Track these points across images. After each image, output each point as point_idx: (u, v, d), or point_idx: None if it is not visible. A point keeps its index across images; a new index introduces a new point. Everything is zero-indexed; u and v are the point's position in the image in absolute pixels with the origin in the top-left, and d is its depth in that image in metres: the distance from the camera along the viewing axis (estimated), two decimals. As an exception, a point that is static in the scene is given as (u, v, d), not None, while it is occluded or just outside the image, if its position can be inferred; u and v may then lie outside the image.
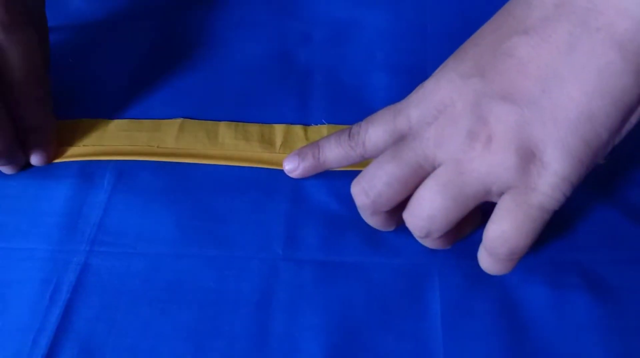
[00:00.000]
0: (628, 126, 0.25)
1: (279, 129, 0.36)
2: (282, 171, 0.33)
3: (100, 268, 0.30)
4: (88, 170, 0.34)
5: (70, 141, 0.35)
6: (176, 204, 0.32)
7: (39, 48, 0.33)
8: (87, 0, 0.43)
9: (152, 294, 0.29)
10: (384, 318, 0.28)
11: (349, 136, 0.30)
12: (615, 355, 0.27)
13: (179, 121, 0.36)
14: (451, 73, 0.27)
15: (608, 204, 0.32)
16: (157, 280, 0.30)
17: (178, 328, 0.28)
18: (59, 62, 0.39)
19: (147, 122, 0.36)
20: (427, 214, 0.26)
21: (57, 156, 0.35)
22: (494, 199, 0.26)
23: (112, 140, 0.35)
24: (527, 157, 0.25)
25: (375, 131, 0.29)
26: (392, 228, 0.30)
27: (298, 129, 0.36)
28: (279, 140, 0.35)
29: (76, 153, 0.35)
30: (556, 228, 0.31)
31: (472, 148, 0.25)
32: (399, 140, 0.28)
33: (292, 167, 0.33)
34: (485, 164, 0.25)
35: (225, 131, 0.35)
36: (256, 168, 0.34)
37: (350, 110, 0.37)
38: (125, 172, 0.34)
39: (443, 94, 0.27)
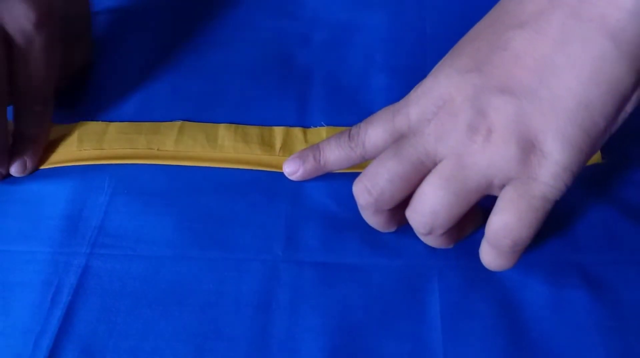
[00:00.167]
0: (623, 115, 0.25)
1: (278, 131, 0.36)
2: (281, 173, 0.33)
3: (101, 270, 0.30)
4: (88, 173, 0.34)
5: (70, 145, 0.35)
6: (176, 206, 0.33)
7: (56, 56, 0.34)
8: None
9: (153, 296, 0.29)
10: (384, 319, 0.28)
11: (349, 137, 0.30)
12: (615, 355, 0.27)
13: (178, 123, 0.36)
14: (448, 69, 0.27)
15: (608, 204, 0.32)
16: (158, 282, 0.30)
17: (179, 330, 0.28)
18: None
19: (146, 125, 0.36)
20: (430, 210, 0.26)
21: (57, 162, 0.35)
22: (495, 193, 0.26)
23: (112, 143, 0.35)
24: (528, 148, 0.25)
25: (374, 131, 0.29)
26: (393, 229, 0.30)
27: (297, 131, 0.36)
28: (278, 142, 0.35)
29: (76, 156, 0.35)
30: (556, 228, 0.31)
31: (472, 141, 0.26)
32: (399, 139, 0.28)
33: (293, 170, 0.33)
34: (486, 157, 0.25)
35: (224, 133, 0.36)
36: (256, 170, 0.34)
37: (350, 112, 0.37)
38: (125, 175, 0.34)
39: (441, 90, 0.27)
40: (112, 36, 0.42)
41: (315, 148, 0.32)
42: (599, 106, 0.24)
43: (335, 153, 0.31)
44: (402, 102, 0.29)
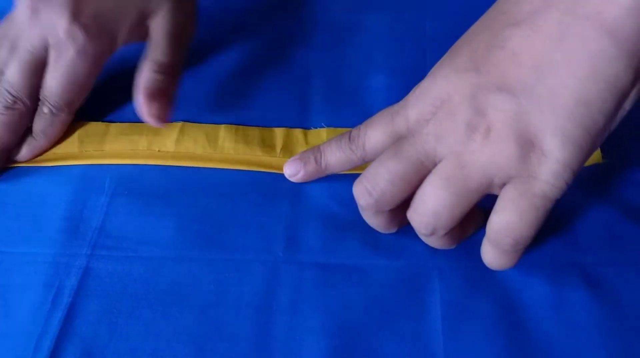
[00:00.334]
0: (622, 112, 0.25)
1: (279, 132, 0.36)
2: (282, 174, 0.33)
3: (101, 271, 0.30)
4: (89, 174, 0.34)
5: (71, 145, 0.35)
6: (177, 207, 0.33)
7: (86, 67, 0.34)
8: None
9: (153, 297, 0.29)
10: (385, 320, 0.29)
11: (349, 139, 0.30)
12: (615, 355, 0.27)
13: (179, 124, 0.36)
14: (446, 69, 0.27)
15: (608, 204, 0.32)
16: (158, 283, 0.30)
17: (179, 331, 0.28)
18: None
19: (147, 126, 0.36)
20: (431, 210, 0.26)
21: (57, 162, 0.35)
22: (496, 192, 0.26)
23: (113, 144, 0.35)
24: (527, 146, 0.25)
25: (374, 133, 0.29)
26: (394, 230, 0.30)
27: (298, 132, 0.36)
28: (279, 144, 0.35)
29: (77, 157, 0.35)
30: (556, 228, 0.31)
31: (472, 140, 0.26)
32: (399, 140, 0.28)
33: (294, 172, 0.33)
34: (485, 156, 0.25)
35: (225, 134, 0.36)
36: (256, 171, 0.34)
37: (350, 113, 0.37)
38: (125, 176, 0.34)
39: (439, 90, 0.27)
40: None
41: (316, 150, 0.32)
42: (598, 103, 0.24)
43: (335, 155, 0.31)
44: (400, 103, 0.29)
